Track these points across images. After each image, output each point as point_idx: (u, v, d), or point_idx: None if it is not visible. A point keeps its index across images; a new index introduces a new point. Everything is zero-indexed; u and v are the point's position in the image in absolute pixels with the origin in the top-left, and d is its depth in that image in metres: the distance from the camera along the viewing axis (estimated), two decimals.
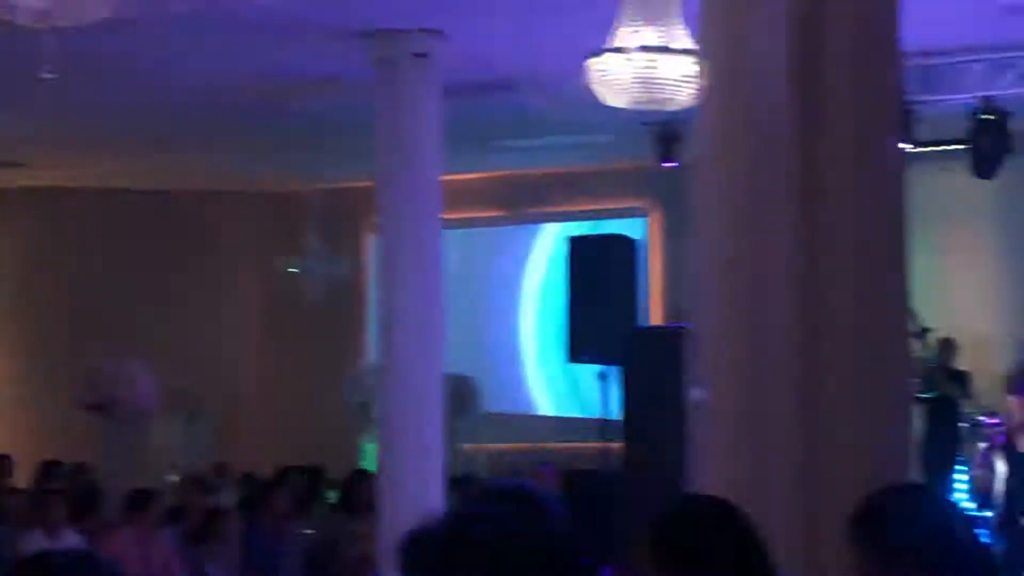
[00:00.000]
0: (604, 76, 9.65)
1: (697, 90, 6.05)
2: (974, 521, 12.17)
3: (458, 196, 16.88)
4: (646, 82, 9.43)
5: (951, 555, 3.31)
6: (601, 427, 11.98)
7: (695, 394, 5.77)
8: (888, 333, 5.53)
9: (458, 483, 12.32)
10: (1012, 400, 11.11)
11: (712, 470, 5.38)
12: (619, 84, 9.61)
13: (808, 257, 5.47)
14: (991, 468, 11.14)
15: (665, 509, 3.72)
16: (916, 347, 14.19)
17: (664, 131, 14.46)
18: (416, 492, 10.68)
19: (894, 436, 5.52)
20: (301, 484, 14.47)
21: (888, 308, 5.55)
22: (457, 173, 14.79)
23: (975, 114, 14.46)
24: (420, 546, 2.38)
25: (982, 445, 11.47)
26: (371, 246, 17.37)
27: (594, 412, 12.32)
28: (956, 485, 13.37)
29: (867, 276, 5.48)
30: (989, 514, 12.66)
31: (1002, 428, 11.21)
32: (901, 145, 5.55)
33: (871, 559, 3.37)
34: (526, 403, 17.15)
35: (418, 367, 11.27)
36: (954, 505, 3.50)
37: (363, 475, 13.72)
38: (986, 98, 14.30)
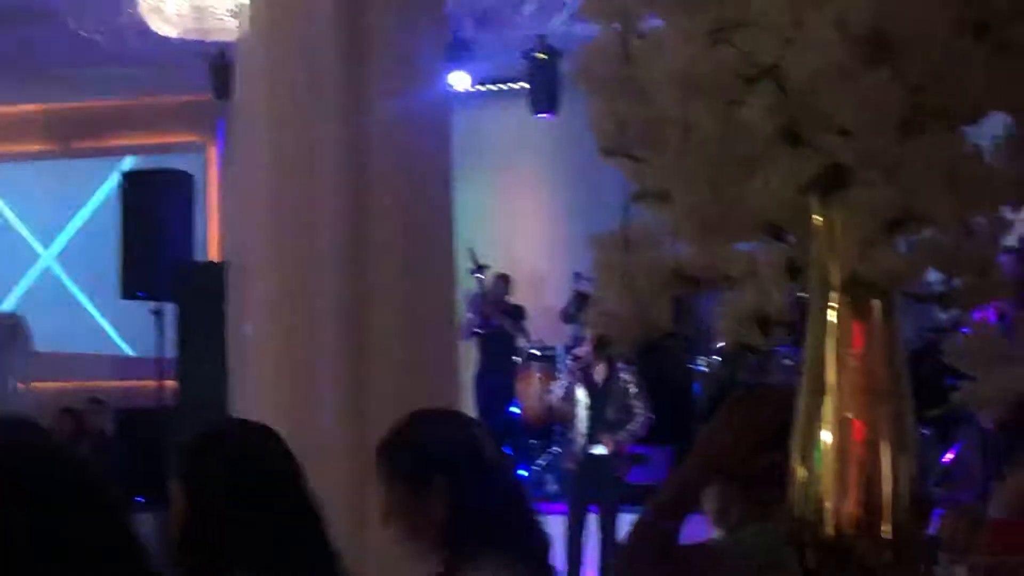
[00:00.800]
0: (154, 4, 9.40)
1: (246, 20, 5.94)
2: (505, 449, 12.50)
3: (6, 129, 16.24)
4: (196, 11, 9.24)
5: (475, 479, 3.35)
6: (156, 365, 11.77)
7: (244, 328, 5.71)
8: (435, 263, 5.60)
9: None
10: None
11: (256, 403, 5.31)
12: (169, 13, 9.38)
13: (353, 189, 5.47)
14: (571, 399, 11.47)
15: (196, 433, 3.62)
16: (473, 282, 14.47)
17: (219, 63, 14.20)
18: None
19: (441, 365, 5.60)
20: None
21: (434, 237, 5.62)
22: (4, 104, 14.20)
23: (530, 52, 14.78)
24: None
25: (562, 377, 11.79)
26: None
27: (149, 350, 12.10)
28: (512, 414, 13.71)
29: (412, 207, 5.53)
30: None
31: (580, 360, 11.55)
32: (460, 81, 5.63)
33: (396, 483, 3.38)
34: (80, 342, 16.66)
35: None
36: (483, 430, 3.53)
37: None
38: (540, 36, 14.64)
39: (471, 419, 3.70)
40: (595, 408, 11.32)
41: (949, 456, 10.33)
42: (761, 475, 3.13)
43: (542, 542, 3.56)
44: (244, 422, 3.96)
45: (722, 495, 3.35)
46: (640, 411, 11.35)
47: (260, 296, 5.58)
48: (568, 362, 12.17)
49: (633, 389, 11.38)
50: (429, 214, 5.63)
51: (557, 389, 11.83)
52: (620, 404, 11.34)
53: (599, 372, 11.41)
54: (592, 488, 11.15)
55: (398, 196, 5.55)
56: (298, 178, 5.57)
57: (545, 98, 15.15)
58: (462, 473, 3.35)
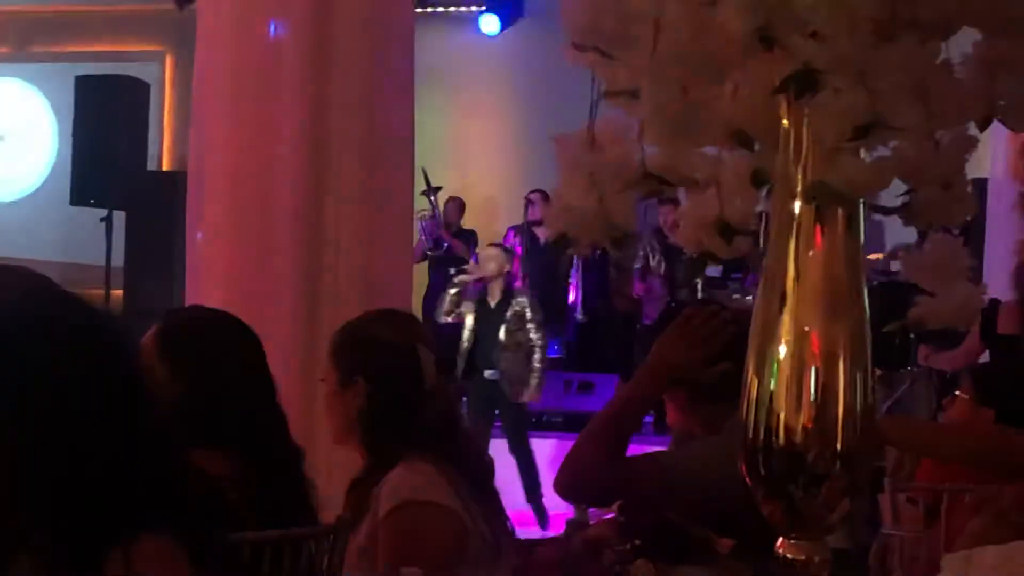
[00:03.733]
0: None
1: None
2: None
3: None
4: None
5: (397, 387, 3.41)
6: (105, 273, 11.70)
7: (196, 235, 5.71)
8: (393, 173, 5.62)
9: None
10: (493, 251, 11.40)
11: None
12: None
13: (314, 97, 5.47)
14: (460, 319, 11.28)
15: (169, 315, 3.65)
16: (426, 204, 14.43)
17: None
18: None
19: (395, 272, 5.64)
20: None
21: (392, 159, 5.63)
22: None
23: None
24: None
25: (452, 292, 11.52)
26: None
27: (98, 257, 12.02)
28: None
29: (372, 117, 5.54)
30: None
31: (476, 279, 11.39)
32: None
33: (330, 374, 3.53)
34: (28, 247, 16.53)
35: None
36: (428, 344, 3.55)
37: None
38: None
39: (420, 331, 3.70)
40: (485, 331, 11.07)
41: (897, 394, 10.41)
42: (711, 388, 3.15)
43: (480, 463, 3.57)
44: (212, 310, 3.97)
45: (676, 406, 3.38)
46: (536, 339, 11.09)
47: (216, 203, 5.58)
48: (460, 279, 11.88)
49: (529, 313, 11.12)
50: (389, 125, 5.63)
51: (443, 305, 11.47)
52: (514, 328, 11.11)
53: (494, 294, 11.20)
54: (489, 412, 10.92)
55: (359, 106, 5.55)
56: (258, 87, 5.57)
57: (503, 19, 15.09)
58: (383, 380, 3.41)
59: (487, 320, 11.06)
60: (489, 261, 11.26)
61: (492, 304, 11.12)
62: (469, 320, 11.12)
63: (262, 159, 5.52)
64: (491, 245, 12.01)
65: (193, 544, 2.03)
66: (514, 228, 14.06)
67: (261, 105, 5.55)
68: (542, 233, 13.01)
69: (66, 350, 2.06)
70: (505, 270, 11.30)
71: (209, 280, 5.54)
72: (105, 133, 11.94)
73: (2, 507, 2.02)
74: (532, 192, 13.44)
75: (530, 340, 11.04)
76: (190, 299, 5.52)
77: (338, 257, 5.46)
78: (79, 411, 2.01)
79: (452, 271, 12.19)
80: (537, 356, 11.03)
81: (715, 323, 3.16)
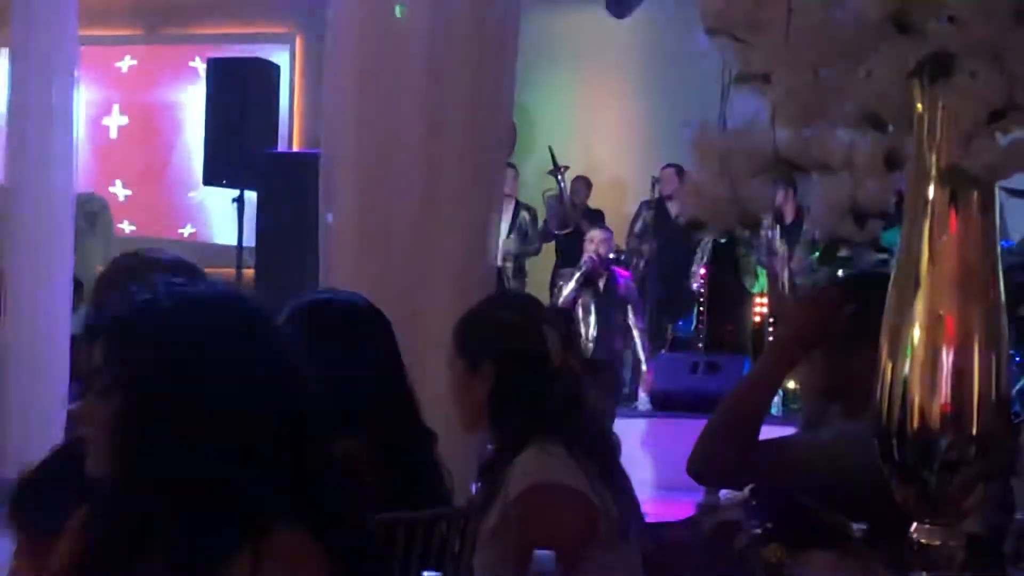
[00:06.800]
0: None
1: None
2: None
3: (95, 13, 16.28)
4: None
5: (524, 371, 3.44)
6: (236, 253, 11.86)
7: (327, 217, 5.78)
8: (492, 161, 5.71)
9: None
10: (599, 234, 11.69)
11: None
12: None
13: (432, 75, 5.55)
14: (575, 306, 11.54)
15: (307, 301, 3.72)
16: (552, 184, 14.44)
17: None
18: (43, 312, 10.36)
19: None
20: None
21: (496, 129, 5.69)
22: None
23: None
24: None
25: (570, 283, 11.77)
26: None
27: (229, 237, 12.18)
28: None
29: (480, 104, 5.59)
30: None
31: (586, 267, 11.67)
32: None
33: (455, 359, 3.51)
34: (162, 226, 16.78)
35: (46, 186, 10.86)
36: (557, 328, 3.56)
37: None
38: None
39: (550, 314, 3.70)
40: (601, 314, 11.28)
41: None
42: (845, 342, 3.08)
43: (606, 443, 3.56)
44: (344, 292, 4.03)
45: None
46: (638, 325, 11.29)
47: (345, 184, 5.67)
48: (581, 268, 12.08)
49: (633, 297, 11.30)
50: (492, 108, 5.71)
51: (565, 294, 11.73)
52: (622, 312, 11.30)
53: (603, 279, 11.40)
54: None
55: (469, 91, 5.63)
56: (383, 71, 5.65)
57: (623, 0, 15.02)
58: (510, 363, 3.41)
59: (599, 305, 11.28)
60: (601, 244, 11.44)
61: (600, 287, 11.34)
62: (590, 305, 11.34)
63: (386, 141, 5.60)
64: (597, 228, 12.17)
65: (329, 535, 2.04)
66: (646, 202, 13.98)
67: (386, 87, 5.63)
68: (674, 208, 13.03)
69: (216, 350, 2.09)
70: (611, 251, 11.52)
71: (340, 261, 5.60)
72: (236, 115, 12.08)
73: (133, 501, 2.05)
74: (665, 167, 13.39)
75: (628, 323, 11.27)
76: (322, 280, 5.58)
77: (450, 240, 5.54)
78: (216, 408, 2.04)
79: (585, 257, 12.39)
80: (636, 342, 11.26)
81: (840, 289, 3.13)
